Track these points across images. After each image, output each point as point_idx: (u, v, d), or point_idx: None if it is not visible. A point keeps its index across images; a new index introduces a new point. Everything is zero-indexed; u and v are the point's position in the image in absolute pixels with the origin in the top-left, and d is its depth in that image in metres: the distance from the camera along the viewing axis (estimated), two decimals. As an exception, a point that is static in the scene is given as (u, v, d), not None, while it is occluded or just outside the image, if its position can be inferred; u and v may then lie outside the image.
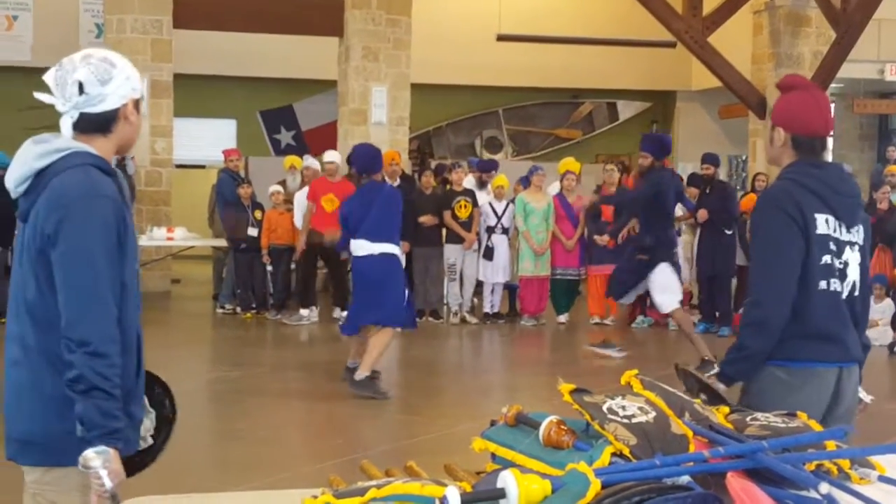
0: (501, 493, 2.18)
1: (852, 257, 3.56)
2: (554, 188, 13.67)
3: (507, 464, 2.51)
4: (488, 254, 12.99)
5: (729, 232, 12.38)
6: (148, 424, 3.01)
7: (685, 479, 2.31)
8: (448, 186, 13.45)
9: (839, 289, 3.53)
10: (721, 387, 3.43)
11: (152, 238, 13.73)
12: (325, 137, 18.23)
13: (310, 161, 13.55)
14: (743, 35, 16.89)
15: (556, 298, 13.18)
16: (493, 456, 2.62)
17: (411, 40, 15.75)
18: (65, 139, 2.89)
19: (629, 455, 2.40)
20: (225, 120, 20.35)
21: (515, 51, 18.94)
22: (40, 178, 2.84)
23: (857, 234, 3.59)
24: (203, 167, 19.93)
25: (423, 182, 13.39)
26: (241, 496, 2.94)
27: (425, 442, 7.17)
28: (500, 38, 17.90)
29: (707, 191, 12.53)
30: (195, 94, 18.16)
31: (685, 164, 20.16)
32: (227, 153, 14.13)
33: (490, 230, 13.03)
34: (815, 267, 3.48)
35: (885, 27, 17.54)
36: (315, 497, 2.32)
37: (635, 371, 2.84)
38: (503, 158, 19.99)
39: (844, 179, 3.59)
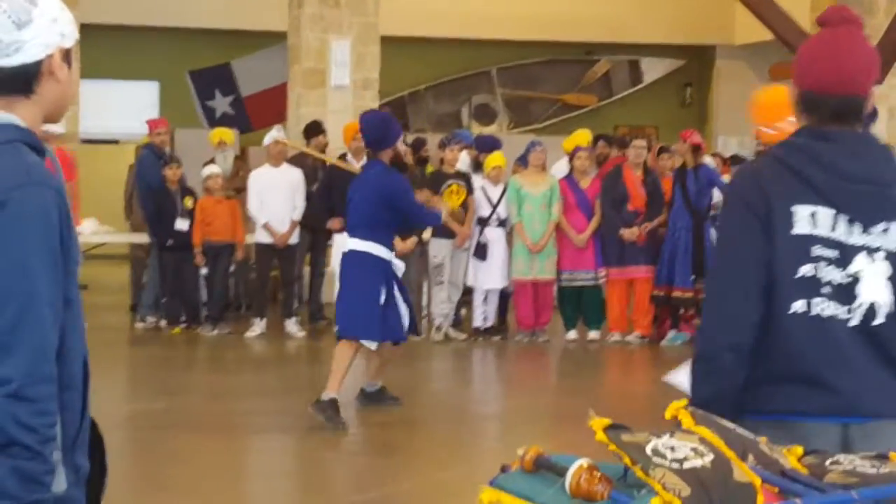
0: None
1: (872, 270, 3.19)
2: (560, 169, 13.69)
3: (525, 521, 2.51)
4: (480, 252, 12.97)
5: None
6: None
7: (753, 539, 2.31)
8: (429, 167, 13.44)
9: (837, 313, 3.17)
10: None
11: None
12: (271, 105, 18.14)
13: (279, 134, 13.50)
14: (800, -25, 16.94)
15: (564, 309, 13.20)
16: (506, 510, 2.61)
17: (381, -19, 15.75)
18: None
19: (681, 509, 2.39)
20: (145, 82, 20.29)
21: (513, -5, 18.97)
22: None
23: (886, 237, 3.20)
24: (117, 142, 19.87)
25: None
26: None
27: (405, 492, 7.16)
28: (494, -22, 17.88)
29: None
30: (107, 49, 18.08)
31: (727, 138, 20.23)
32: (152, 124, 14.06)
33: (483, 223, 13.02)
34: (783, 282, 3.16)
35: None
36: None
37: (684, 402, 2.84)
38: (498, 131, 19.99)
39: (862, 157, 3.21)
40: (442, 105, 21.39)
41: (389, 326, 8.98)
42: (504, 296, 13.34)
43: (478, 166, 13.67)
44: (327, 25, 15.51)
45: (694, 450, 2.53)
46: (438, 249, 13.03)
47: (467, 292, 13.40)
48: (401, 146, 9.57)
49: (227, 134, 14.22)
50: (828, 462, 2.81)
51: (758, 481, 2.51)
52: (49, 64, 2.81)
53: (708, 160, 14.02)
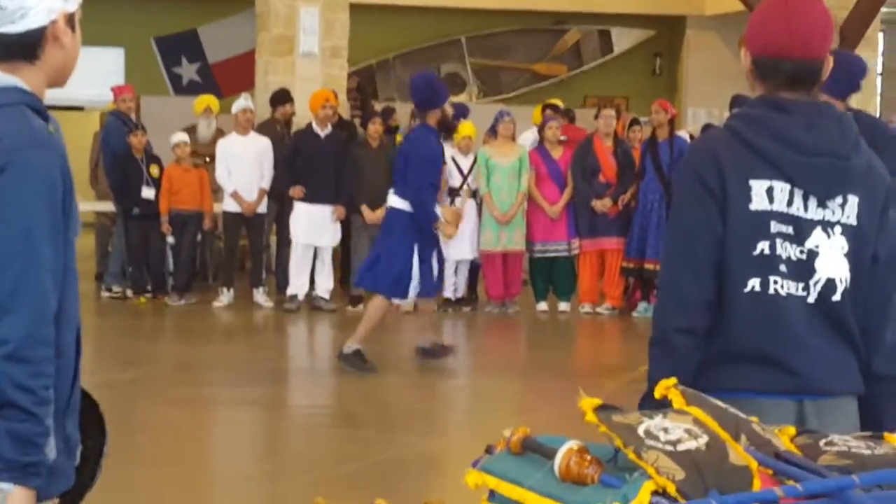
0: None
1: (829, 244, 3.11)
2: (528, 139, 13.63)
3: (513, 504, 2.43)
4: (451, 222, 12.92)
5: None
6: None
7: (750, 525, 2.23)
8: (398, 136, 13.29)
9: (794, 290, 3.09)
10: None
11: None
12: (239, 72, 18.01)
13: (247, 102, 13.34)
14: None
15: (535, 280, 13.14)
16: (492, 493, 2.53)
17: (350, -54, 15.60)
18: None
19: (675, 494, 2.32)
20: (110, 49, 20.04)
21: (483, -37, 18.83)
22: None
23: (844, 211, 3.12)
24: (81, 109, 19.61)
25: (370, 131, 13.25)
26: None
27: (381, 464, 7.09)
28: (465, -55, 17.73)
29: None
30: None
31: (696, 110, 20.20)
32: (117, 91, 13.92)
33: (453, 193, 12.95)
34: (739, 260, 3.08)
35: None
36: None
37: (673, 380, 2.76)
38: (467, 100, 19.88)
39: (819, 128, 3.11)
40: (411, 73, 21.19)
41: (421, 283, 9.54)
42: (474, 267, 13.28)
43: (448, 135, 13.58)
44: (297, -8, 15.34)
45: (688, 431, 2.46)
46: (408, 220, 12.94)
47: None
48: (448, 108, 9.85)
49: (213, 101, 14.08)
50: (822, 443, 2.74)
51: (754, 464, 2.44)
52: (53, 29, 2.75)
53: (682, 133, 13.99)
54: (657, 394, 2.76)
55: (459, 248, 12.87)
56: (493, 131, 13.39)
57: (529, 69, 21.57)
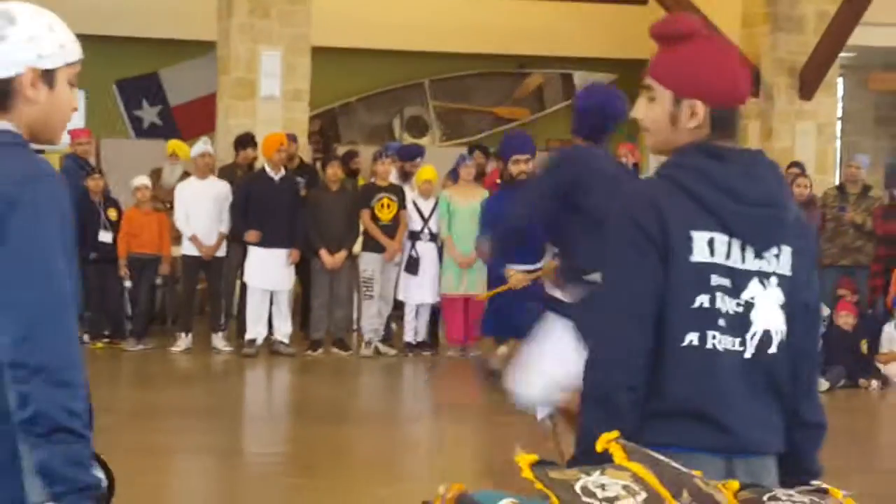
0: None
1: (764, 296, 3.05)
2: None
3: (447, 564, 2.37)
4: (412, 266, 12.88)
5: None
6: None
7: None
8: (360, 179, 13.26)
9: (731, 345, 3.01)
10: None
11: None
12: (200, 115, 17.90)
13: (206, 147, 13.31)
14: (732, -10, 17.00)
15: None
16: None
17: (312, -9, 15.60)
18: None
19: (612, 553, 2.27)
20: (70, 91, 19.98)
21: (447, 7, 18.84)
22: None
23: (779, 261, 3.07)
24: (42, 152, 19.48)
25: (329, 174, 13.24)
26: None
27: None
28: (428, -11, 17.75)
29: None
30: (31, 57, 17.77)
31: (657, 155, 20.24)
32: (73, 134, 13.84)
33: (414, 236, 12.92)
34: (679, 312, 2.98)
35: (907, -18, 17.76)
36: None
37: (615, 433, 2.72)
38: (430, 143, 19.89)
39: (756, 177, 3.06)
40: (374, 117, 21.23)
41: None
42: (435, 310, 13.23)
43: (405, 176, 13.60)
44: (257, 35, 15.33)
45: (626, 488, 2.41)
46: (368, 263, 12.92)
47: (398, 307, 13.29)
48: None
49: (183, 148, 14.02)
50: (765, 497, 2.70)
51: (693, 522, 2.39)
52: (20, 82, 2.74)
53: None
54: (599, 447, 2.70)
55: (420, 292, 12.85)
56: (454, 174, 13.39)
57: (492, 112, 21.60)
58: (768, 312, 3.05)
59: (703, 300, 2.99)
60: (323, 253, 12.53)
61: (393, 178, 13.42)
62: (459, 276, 12.79)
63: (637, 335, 2.98)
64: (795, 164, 14.98)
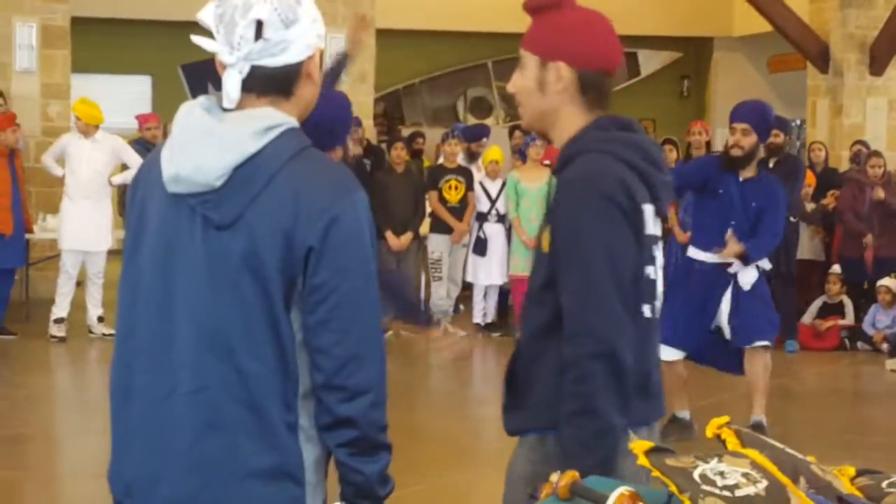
0: None
1: (661, 260, 3.14)
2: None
3: (562, 554, 2.30)
4: (480, 248, 12.83)
5: (794, 220, 12.24)
6: None
7: (816, 576, 2.10)
8: (425, 160, 13.21)
9: (657, 314, 3.11)
10: None
11: (45, 229, 13.44)
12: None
13: None
14: (800, -34, 16.78)
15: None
16: (540, 542, 2.39)
17: (376, -27, 15.56)
18: (268, 111, 2.63)
19: (735, 543, 2.19)
20: (138, 76, 20.09)
21: (509, -13, 18.75)
22: (245, 167, 2.58)
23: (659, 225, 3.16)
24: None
25: (394, 156, 13.20)
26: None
27: (414, 497, 6.95)
28: (490, -30, 17.68)
29: (770, 165, 12.32)
30: (99, 43, 17.88)
31: (724, 131, 20.03)
32: (141, 119, 13.94)
33: (482, 218, 12.88)
34: (639, 285, 3.01)
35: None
36: None
37: (726, 418, 2.62)
38: (494, 124, 19.82)
39: (658, 146, 3.16)
40: (437, 98, 21.22)
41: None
42: (505, 291, 13.17)
43: (472, 157, 13.55)
44: (323, 17, 15.26)
45: (745, 475, 2.32)
46: (436, 245, 12.89)
47: (467, 287, 13.25)
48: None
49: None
50: (884, 484, 2.61)
51: (817, 510, 2.30)
52: (308, 65, 2.69)
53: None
54: (709, 432, 2.62)
55: (488, 273, 12.79)
56: (522, 155, 13.31)
57: (556, 93, 21.55)
58: (661, 275, 3.13)
59: (650, 271, 3.05)
60: (389, 235, 12.48)
61: (460, 159, 13.35)
62: (528, 257, 12.71)
63: (627, 314, 2.95)
64: (860, 142, 14.77)
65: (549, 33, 3.11)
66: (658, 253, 3.12)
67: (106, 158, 12.26)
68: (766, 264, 8.35)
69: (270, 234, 2.56)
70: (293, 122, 2.66)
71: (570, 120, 3.10)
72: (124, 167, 12.54)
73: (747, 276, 8.24)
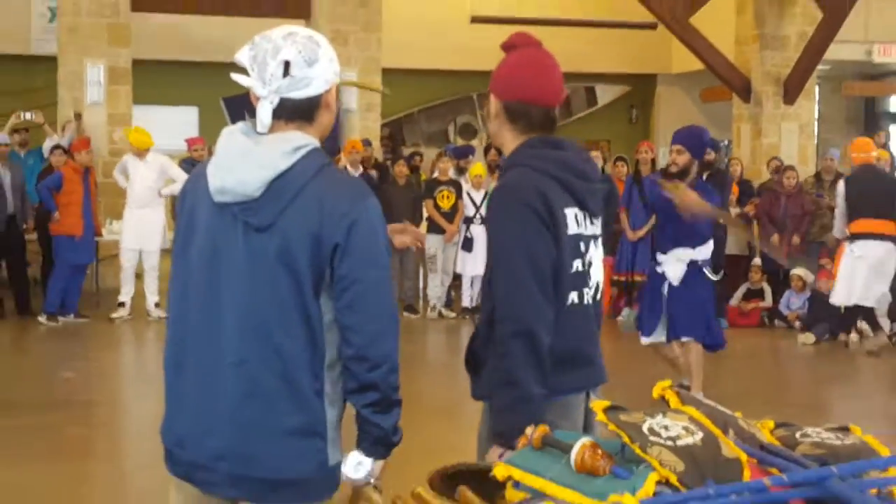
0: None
1: (595, 254, 3.11)
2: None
3: (535, 493, 2.27)
4: (467, 245, 12.80)
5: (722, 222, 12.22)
6: None
7: (743, 510, 2.08)
8: (422, 174, 13.16)
9: (588, 300, 3.07)
10: (494, 456, 2.89)
11: (111, 232, 13.39)
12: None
13: None
14: (726, 15, 16.73)
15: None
16: (517, 483, 2.37)
17: (382, 22, 15.47)
18: (296, 134, 2.65)
19: (677, 483, 2.16)
20: (186, 107, 20.00)
21: (490, 33, 18.63)
22: (278, 180, 2.59)
23: (599, 225, 3.14)
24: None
25: (396, 171, 13.15)
26: None
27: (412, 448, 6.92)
28: (475, 19, 17.64)
29: (704, 178, 12.28)
30: (155, 80, 17.80)
31: (666, 150, 20.00)
32: (190, 142, 13.86)
33: (468, 221, 12.83)
34: (564, 277, 2.98)
35: (872, 7, 17.44)
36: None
37: (668, 382, 2.61)
38: (478, 145, 19.73)
39: (586, 159, 3.10)
40: (432, 124, 21.14)
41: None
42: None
43: (460, 171, 13.51)
44: (338, 59, 15.23)
45: (685, 428, 2.30)
46: (432, 243, 12.83)
47: (457, 278, 13.21)
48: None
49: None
50: (797, 434, 2.59)
51: (744, 457, 2.28)
52: (327, 97, 2.69)
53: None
54: (655, 393, 2.60)
55: (474, 265, 12.75)
56: (498, 169, 13.26)
57: (529, 119, 21.47)
58: (598, 267, 3.13)
59: (577, 264, 3.02)
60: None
61: (451, 173, 13.31)
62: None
63: (546, 300, 2.94)
64: (776, 158, 14.73)
65: (495, 71, 3.12)
66: (591, 248, 3.08)
67: (156, 175, 12.31)
68: (710, 272, 8.06)
69: (301, 236, 2.57)
70: (316, 142, 2.67)
71: (509, 141, 3.10)
72: (171, 181, 12.52)
73: (673, 271, 8.04)
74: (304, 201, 2.58)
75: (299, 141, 2.63)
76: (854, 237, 10.82)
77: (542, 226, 2.93)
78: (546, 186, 2.96)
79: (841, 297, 11.07)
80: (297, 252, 2.57)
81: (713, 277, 8.09)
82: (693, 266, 8.01)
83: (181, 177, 12.06)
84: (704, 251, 8.05)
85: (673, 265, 8.03)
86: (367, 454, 2.70)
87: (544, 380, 2.92)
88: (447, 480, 2.54)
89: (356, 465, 2.69)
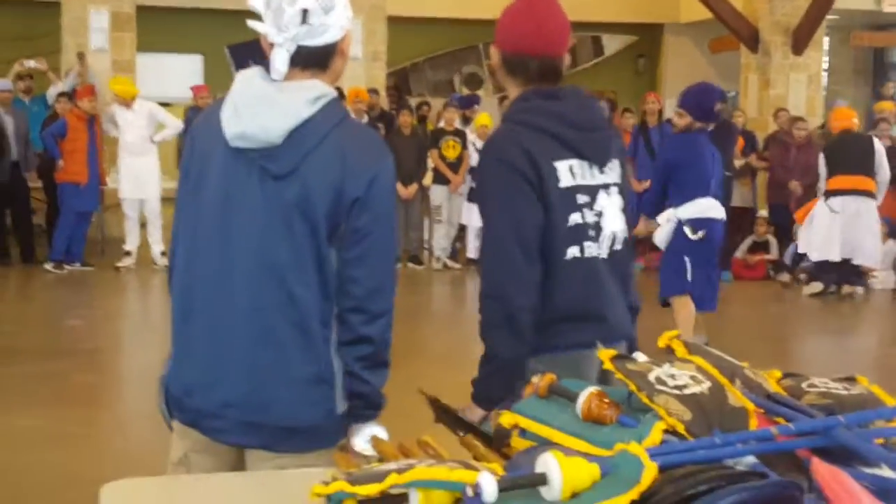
0: (542, 479, 1.95)
1: (609, 203, 2.99)
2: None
3: (542, 441, 2.27)
4: (473, 196, 12.74)
5: (729, 174, 12.17)
6: None
7: (750, 459, 2.08)
8: (429, 124, 13.11)
9: (596, 252, 2.97)
10: (478, 414, 2.97)
11: (116, 180, 13.34)
12: (297, 73, 17.87)
13: None
14: (735, -36, 16.57)
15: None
16: (523, 432, 2.37)
17: (388, -31, 15.37)
18: (316, 83, 2.63)
19: (684, 432, 2.15)
20: (191, 55, 19.91)
21: (496, -19, 18.52)
22: (300, 129, 2.58)
23: (613, 173, 3.01)
24: (169, 105, 19.51)
25: (402, 121, 13.10)
26: (245, 476, 2.73)
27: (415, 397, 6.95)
28: (481, -33, 17.44)
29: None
30: (160, 27, 17.69)
31: (673, 102, 19.91)
32: (196, 90, 13.80)
33: (474, 171, 12.74)
34: (559, 232, 2.91)
35: (883, -45, 17.27)
36: (326, 483, 2.07)
37: (675, 332, 2.60)
38: (484, 95, 19.64)
39: (587, 107, 3.01)
40: (438, 74, 21.04)
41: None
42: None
43: (466, 121, 13.45)
44: (344, 6, 15.15)
45: (692, 377, 2.29)
46: (437, 194, 12.83)
47: (462, 229, 13.20)
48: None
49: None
50: (804, 385, 2.58)
51: (750, 406, 2.27)
52: (342, 44, 2.68)
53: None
54: (661, 343, 2.59)
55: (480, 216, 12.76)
56: (507, 120, 13.23)
57: (535, 69, 21.36)
58: (613, 217, 3.02)
59: (575, 218, 2.94)
60: (398, 186, 12.40)
61: (457, 123, 13.26)
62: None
63: (527, 261, 2.89)
64: (783, 109, 14.65)
65: (498, 21, 3.06)
66: (599, 198, 3.00)
67: (145, 122, 12.32)
68: (690, 231, 7.91)
69: (322, 186, 2.56)
70: (335, 93, 2.66)
71: (511, 93, 3.06)
72: (162, 126, 12.51)
73: (657, 235, 8.05)
74: (326, 152, 2.57)
75: (320, 90, 2.62)
76: (831, 193, 10.93)
77: (525, 183, 2.88)
78: (530, 141, 2.90)
79: (822, 251, 11.19)
80: (316, 201, 2.57)
81: (692, 237, 8.00)
82: (677, 225, 7.98)
83: (171, 121, 12.11)
84: (689, 209, 7.96)
85: (663, 228, 8.05)
86: (357, 420, 2.72)
87: (519, 343, 2.91)
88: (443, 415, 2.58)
89: (368, 440, 2.69)
